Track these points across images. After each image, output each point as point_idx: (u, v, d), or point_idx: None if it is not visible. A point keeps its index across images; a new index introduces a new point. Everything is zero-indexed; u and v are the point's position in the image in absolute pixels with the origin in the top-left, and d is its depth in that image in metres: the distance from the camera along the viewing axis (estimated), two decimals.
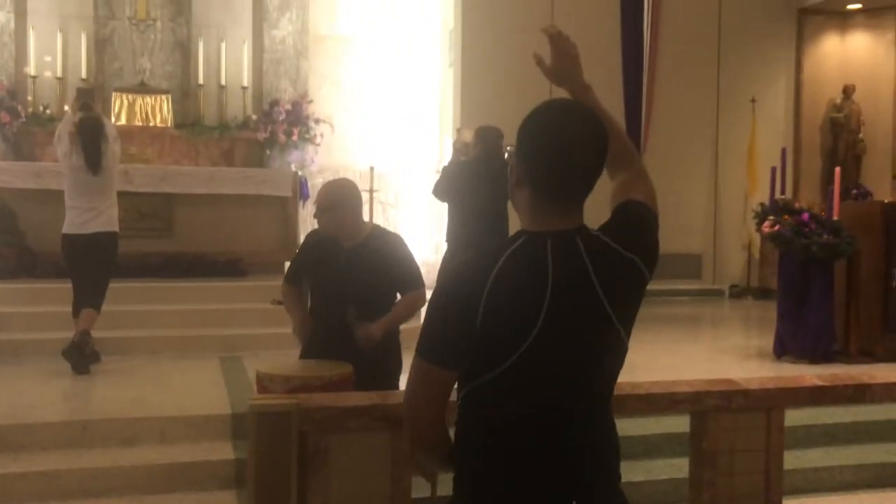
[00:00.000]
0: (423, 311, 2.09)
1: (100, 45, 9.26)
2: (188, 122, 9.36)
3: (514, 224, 5.96)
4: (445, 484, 1.96)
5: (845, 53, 11.34)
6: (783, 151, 6.66)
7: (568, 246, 1.72)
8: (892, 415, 4.95)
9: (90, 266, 5.61)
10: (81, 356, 5.40)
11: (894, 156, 11.06)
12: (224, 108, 9.47)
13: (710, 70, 10.74)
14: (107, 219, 5.64)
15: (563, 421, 1.74)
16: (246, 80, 9.53)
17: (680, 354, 6.72)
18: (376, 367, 3.54)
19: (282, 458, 3.05)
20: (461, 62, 10.06)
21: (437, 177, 6.40)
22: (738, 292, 10.51)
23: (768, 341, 6.51)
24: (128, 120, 9.08)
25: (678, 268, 10.53)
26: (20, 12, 9.05)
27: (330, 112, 9.94)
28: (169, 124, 9.24)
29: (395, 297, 3.72)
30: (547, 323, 1.67)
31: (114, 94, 9.14)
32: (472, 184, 5.85)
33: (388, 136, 10.41)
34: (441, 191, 6.05)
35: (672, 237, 10.53)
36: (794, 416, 4.72)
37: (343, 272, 3.63)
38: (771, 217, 6.17)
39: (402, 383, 2.13)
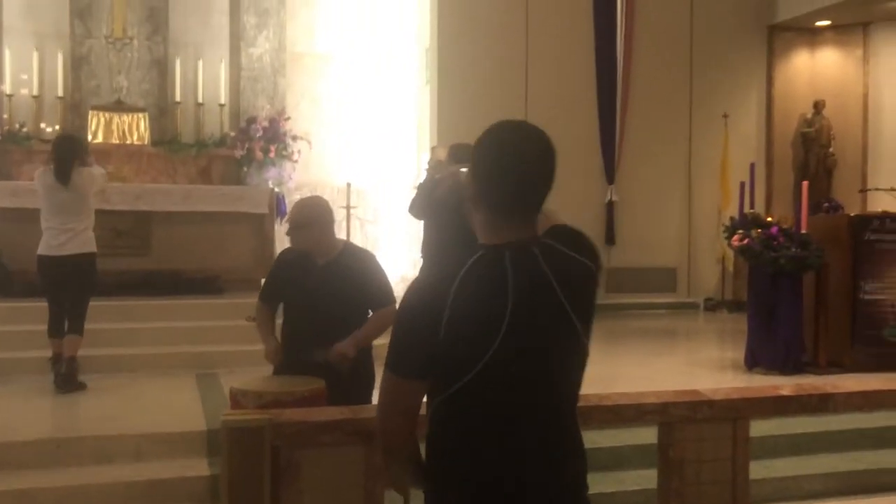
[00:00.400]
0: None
1: (76, 63, 9.28)
2: (165, 139, 9.38)
3: None
4: (418, 498, 2.01)
5: (815, 69, 11.54)
6: (752, 166, 6.78)
7: (526, 255, 1.79)
8: (858, 424, 5.06)
9: (70, 289, 5.62)
10: (72, 384, 5.46)
11: (864, 170, 11.26)
12: (201, 126, 9.50)
13: (683, 86, 10.91)
14: (84, 240, 5.64)
15: (532, 428, 1.80)
16: (223, 97, 9.58)
17: (654, 367, 6.80)
18: (349, 382, 3.59)
19: (255, 472, 3.09)
20: (437, 80, 10.16)
21: (412, 195, 6.45)
22: (712, 305, 10.64)
23: (741, 353, 6.60)
24: (104, 138, 9.09)
25: (653, 281, 10.67)
26: None
27: (308, 129, 10.00)
28: (146, 142, 9.26)
29: (368, 313, 3.77)
30: (510, 331, 1.74)
31: (90, 112, 9.15)
32: (446, 202, 5.91)
33: (365, 153, 10.48)
34: (418, 208, 6.10)
35: (647, 251, 10.71)
36: (763, 427, 4.80)
37: (316, 289, 3.68)
38: (740, 231, 6.29)
39: (376, 398, 2.20)
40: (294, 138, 9.72)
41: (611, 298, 10.57)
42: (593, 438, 4.54)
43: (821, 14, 10.98)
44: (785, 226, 6.32)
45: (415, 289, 1.88)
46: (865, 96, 11.39)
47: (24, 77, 9.09)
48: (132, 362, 6.23)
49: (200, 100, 9.45)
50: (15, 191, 7.44)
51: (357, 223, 10.21)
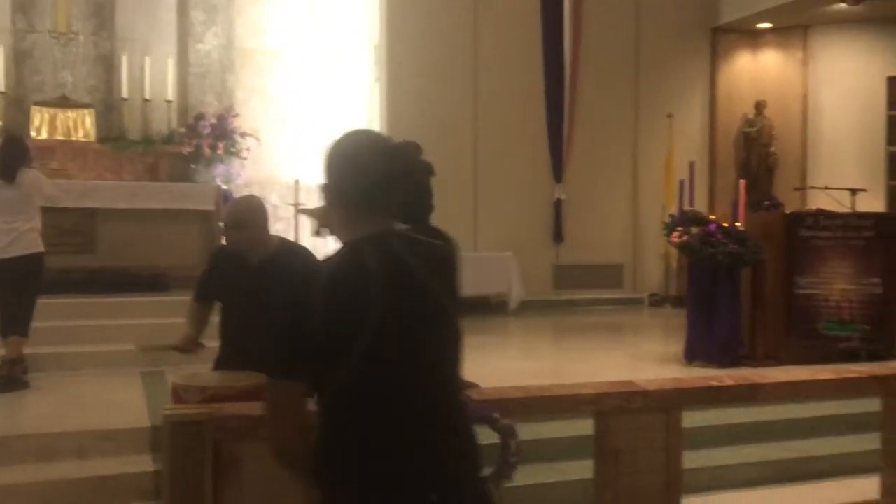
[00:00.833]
0: None
1: (19, 58, 9.13)
2: (112, 136, 9.28)
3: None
4: None
5: (757, 70, 11.84)
6: (692, 165, 6.96)
7: (385, 245, 1.89)
8: (790, 414, 5.24)
9: (15, 291, 5.54)
10: (14, 385, 5.39)
11: (804, 168, 11.59)
12: (148, 123, 9.42)
13: (629, 86, 11.12)
14: (29, 241, 5.57)
15: (419, 413, 1.85)
16: (171, 93, 9.50)
17: (598, 361, 6.93)
18: None
19: (196, 466, 3.11)
20: (386, 77, 10.21)
21: None
22: (656, 300, 10.86)
23: (682, 347, 6.77)
24: (49, 134, 8.96)
25: (600, 277, 10.87)
26: None
27: (257, 126, 9.98)
28: (92, 138, 9.15)
29: None
30: (382, 320, 1.80)
31: (34, 107, 9.02)
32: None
33: (315, 150, 10.48)
34: None
35: (594, 248, 10.89)
36: (701, 417, 4.96)
37: (252, 288, 3.70)
38: (679, 228, 6.45)
39: None
40: (243, 135, 9.69)
41: (558, 294, 10.75)
42: (536, 430, 4.64)
43: (762, 17, 11.28)
44: (725, 223, 6.50)
45: (288, 292, 1.94)
46: (805, 97, 11.72)
47: None
48: (76, 360, 6.17)
49: (147, 96, 9.36)
50: None
51: (306, 220, 10.21)
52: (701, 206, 9.52)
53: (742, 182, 6.85)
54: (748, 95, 11.65)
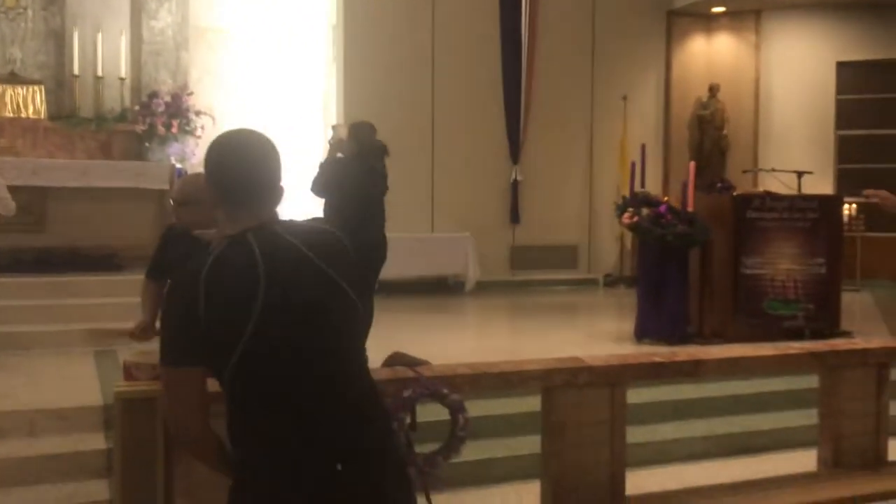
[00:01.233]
0: None
1: None
2: (63, 113, 9.13)
3: (391, 217, 6.25)
4: None
5: (711, 54, 12.01)
6: (643, 147, 7.07)
7: (268, 233, 1.95)
8: (734, 390, 5.41)
9: None
10: None
11: (755, 151, 11.81)
12: (101, 100, 9.28)
13: (585, 68, 11.21)
14: None
15: (319, 389, 1.89)
16: (124, 71, 9.37)
17: (552, 340, 7.05)
18: None
19: (147, 442, 3.14)
20: (343, 57, 10.18)
21: (315, 173, 6.50)
22: (611, 281, 11.03)
23: (633, 326, 6.91)
24: None
25: (555, 258, 11.00)
26: None
27: (211, 104, 9.88)
28: (42, 116, 8.99)
29: None
30: (267, 301, 1.85)
31: None
32: (352, 179, 5.98)
33: (271, 130, 10.38)
34: (320, 187, 6.15)
35: (550, 229, 11.01)
36: (648, 394, 5.10)
37: None
38: (630, 209, 6.57)
39: None
40: (197, 114, 9.59)
41: (515, 275, 10.86)
42: (487, 406, 4.74)
43: (716, 1, 11.45)
44: (671, 204, 6.63)
45: (172, 281, 2.01)
46: (757, 81, 11.94)
47: None
48: (27, 340, 6.12)
49: (100, 73, 9.22)
50: None
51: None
52: (655, 187, 9.68)
53: (692, 164, 7.00)
54: (702, 78, 11.82)
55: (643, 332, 6.65)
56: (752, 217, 6.79)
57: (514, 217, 10.87)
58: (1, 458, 4.06)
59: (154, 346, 3.95)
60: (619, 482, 3.78)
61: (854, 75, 11.93)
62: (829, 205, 7.07)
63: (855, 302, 9.04)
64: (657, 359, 3.96)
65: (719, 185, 10.71)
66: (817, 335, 6.73)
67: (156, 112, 9.29)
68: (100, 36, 9.21)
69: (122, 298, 6.67)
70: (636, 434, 4.30)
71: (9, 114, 8.83)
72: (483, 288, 10.14)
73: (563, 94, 11.00)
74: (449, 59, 10.45)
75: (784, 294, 6.76)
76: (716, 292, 6.83)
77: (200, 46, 10.07)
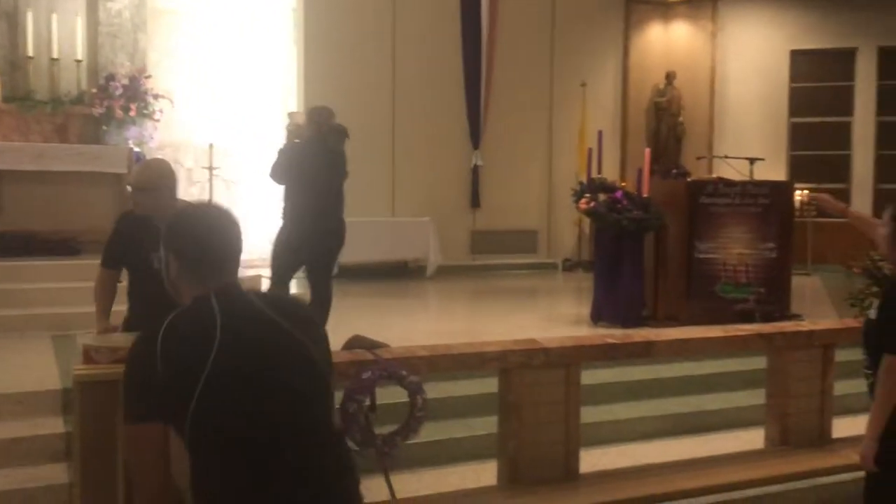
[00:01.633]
0: None
1: None
2: (18, 96, 8.98)
3: (352, 201, 6.30)
4: None
5: (668, 41, 12.17)
6: (600, 134, 7.18)
7: (231, 294, 2.06)
8: (685, 371, 5.56)
9: None
10: None
11: (710, 138, 12.01)
12: (56, 82, 9.14)
13: (545, 54, 11.30)
14: None
15: (278, 448, 1.92)
16: (80, 53, 9.23)
17: (512, 323, 7.14)
18: None
19: (108, 424, 3.16)
20: (304, 41, 10.15)
21: (273, 159, 6.51)
22: (570, 265, 11.18)
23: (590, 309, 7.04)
24: None
25: (515, 243, 11.12)
26: None
27: (170, 87, 9.79)
28: None
29: None
30: (222, 353, 1.90)
31: None
32: (310, 163, 5.99)
33: (230, 113, 10.36)
34: (279, 173, 6.15)
35: (510, 214, 11.12)
36: (603, 375, 5.22)
37: (160, 253, 3.71)
38: (587, 195, 6.69)
39: None
40: (156, 97, 9.49)
41: (475, 259, 10.96)
42: (447, 388, 4.82)
43: None
44: (627, 190, 6.76)
45: (133, 341, 2.09)
46: (713, 69, 12.12)
47: None
48: None
49: (55, 55, 9.07)
50: None
51: (222, 184, 10.13)
52: (612, 173, 9.83)
53: (647, 151, 7.12)
54: (659, 66, 11.97)
55: (599, 316, 6.78)
56: (706, 203, 6.94)
57: (475, 202, 10.96)
58: None
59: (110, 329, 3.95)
60: (573, 460, 3.90)
61: (807, 63, 12.19)
62: (779, 191, 7.25)
63: (805, 286, 9.28)
64: (611, 340, 4.08)
65: (674, 171, 10.89)
66: (768, 318, 6.88)
67: (113, 95, 9.18)
68: (54, 17, 9.06)
69: (80, 283, 6.61)
70: (590, 414, 4.42)
71: None
72: (443, 272, 10.22)
73: (523, 80, 11.09)
74: (410, 44, 10.47)
75: (736, 278, 6.93)
76: (670, 276, 6.98)
77: (159, 28, 9.96)
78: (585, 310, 7.21)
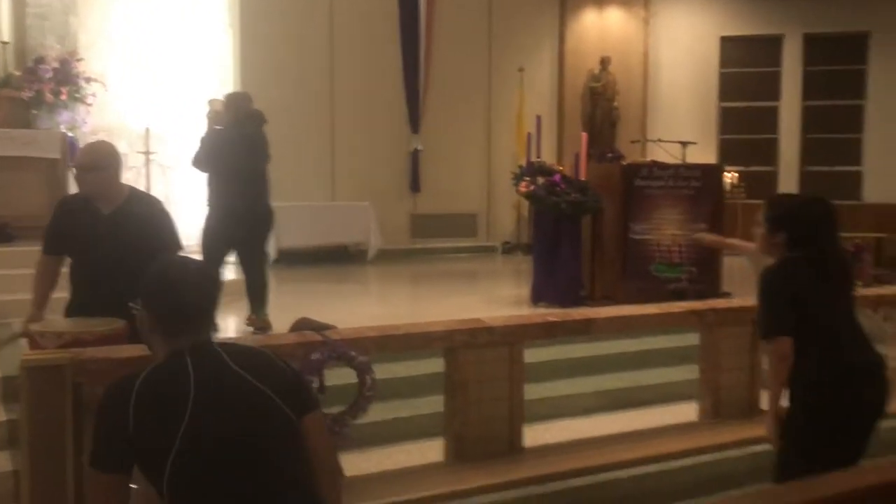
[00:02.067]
0: None
1: None
2: None
3: (291, 186, 6.34)
4: None
5: (603, 27, 12.37)
6: (538, 119, 7.31)
7: (205, 351, 2.12)
8: (622, 349, 5.73)
9: None
10: None
11: (644, 122, 12.28)
12: None
13: (483, 39, 11.40)
14: None
15: (252, 500, 1.99)
16: (6, 35, 8.97)
17: (452, 306, 7.24)
18: None
19: (56, 410, 3.16)
20: (239, 24, 10.03)
21: (196, 148, 6.51)
22: (509, 248, 11.34)
23: (530, 291, 7.18)
24: None
25: (455, 227, 11.23)
26: None
27: (103, 71, 9.58)
28: None
29: None
30: (196, 414, 1.98)
31: None
32: (230, 150, 6.00)
33: (166, 98, 10.20)
34: (202, 161, 6.16)
35: (449, 198, 11.21)
36: (544, 353, 5.35)
37: (105, 238, 3.68)
38: (527, 178, 6.81)
39: None
40: (88, 80, 9.29)
41: (415, 243, 11.04)
42: (393, 369, 4.89)
43: None
44: (565, 173, 6.90)
45: (105, 390, 2.14)
46: (646, 55, 12.38)
47: None
48: None
49: None
50: None
51: (158, 169, 9.98)
52: (549, 157, 9.98)
53: (584, 135, 7.27)
54: (594, 52, 12.17)
55: (539, 296, 6.93)
56: (640, 185, 7.13)
57: (415, 186, 11.02)
58: None
59: (56, 315, 3.92)
60: (517, 435, 4.02)
61: (736, 50, 12.54)
62: (710, 173, 7.47)
63: (734, 265, 9.58)
64: (552, 318, 4.20)
65: (610, 155, 11.14)
66: (700, 296, 7.09)
67: (43, 78, 8.94)
68: None
69: (14, 270, 6.49)
70: (532, 391, 4.52)
71: None
72: (384, 256, 10.27)
73: (462, 64, 11.17)
74: (348, 29, 10.44)
75: (669, 258, 7.13)
76: (606, 257, 7.16)
77: (92, 10, 9.73)
78: (525, 291, 7.34)
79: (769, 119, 12.63)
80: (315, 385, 3.34)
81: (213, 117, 6.35)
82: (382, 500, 3.40)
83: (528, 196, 6.83)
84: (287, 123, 9.98)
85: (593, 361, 5.60)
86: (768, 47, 12.50)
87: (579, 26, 12.20)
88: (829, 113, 12.48)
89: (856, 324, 3.28)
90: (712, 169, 7.72)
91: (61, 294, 3.94)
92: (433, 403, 4.80)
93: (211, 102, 7.05)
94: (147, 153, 9.45)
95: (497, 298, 7.61)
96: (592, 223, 7.07)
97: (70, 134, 8.65)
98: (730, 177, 11.26)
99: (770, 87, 12.56)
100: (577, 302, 6.76)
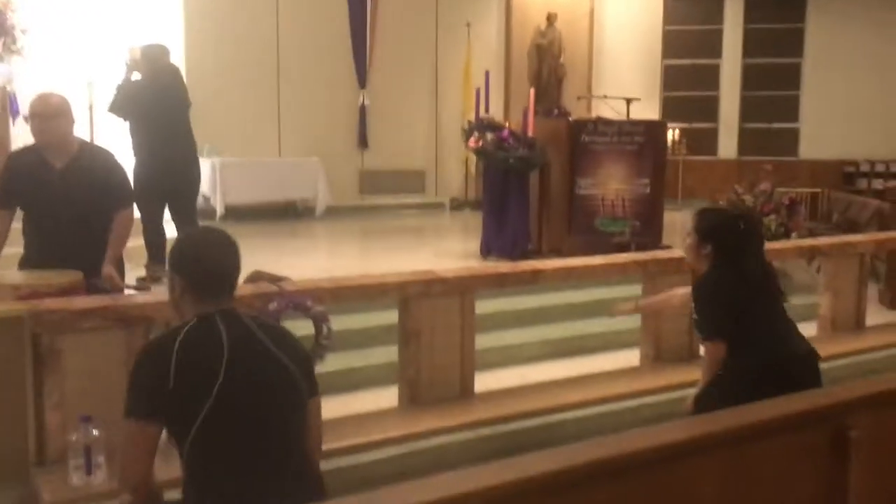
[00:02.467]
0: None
1: None
2: None
3: (238, 141, 6.38)
4: None
5: None
6: (486, 74, 7.38)
7: (232, 317, 2.28)
8: (568, 300, 5.91)
9: None
10: None
11: (589, 79, 12.42)
12: None
13: None
14: None
15: (268, 457, 2.19)
16: None
17: (402, 260, 7.28)
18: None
19: (16, 361, 3.21)
20: None
21: (113, 95, 6.50)
22: (457, 204, 11.45)
23: (479, 245, 7.32)
24: None
25: (403, 183, 11.28)
26: None
27: (42, 22, 9.33)
28: None
29: (109, 214, 3.84)
30: (228, 378, 2.15)
31: None
32: (148, 100, 6.10)
33: (106, 49, 9.97)
34: (119, 108, 6.24)
35: (397, 155, 11.25)
36: (493, 304, 5.49)
37: (58, 192, 3.69)
38: (476, 133, 6.90)
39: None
40: (24, 31, 9.04)
41: (364, 199, 11.08)
42: (346, 322, 4.97)
43: None
44: (513, 129, 7.00)
45: (146, 345, 2.35)
46: (592, 11, 12.47)
47: None
48: None
49: None
50: None
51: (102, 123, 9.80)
52: (497, 113, 10.06)
53: (532, 91, 7.37)
54: (541, 7, 12.20)
55: (488, 250, 7.07)
56: (586, 141, 7.28)
57: (363, 142, 11.02)
58: None
59: (9, 269, 3.91)
60: (468, 382, 4.18)
61: (679, 7, 12.72)
62: (654, 130, 7.64)
63: (676, 219, 9.85)
64: (502, 269, 4.36)
65: (556, 111, 11.27)
66: (642, 249, 7.31)
67: None
68: None
69: None
70: (482, 340, 4.67)
71: None
72: (333, 212, 10.29)
73: (409, 18, 11.12)
74: None
75: (613, 212, 7.32)
76: (553, 212, 7.32)
77: None
78: (474, 246, 7.47)
79: (711, 76, 12.89)
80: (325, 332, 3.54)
81: (131, 65, 6.37)
82: (342, 443, 3.52)
83: (478, 152, 6.92)
84: (232, 77, 9.88)
85: (541, 312, 5.76)
86: (711, 4, 12.70)
87: None
88: (768, 71, 12.78)
89: (790, 324, 3.52)
90: (655, 125, 7.90)
91: (14, 249, 3.95)
92: (387, 353, 4.94)
93: (131, 51, 7.01)
94: (91, 108, 9.26)
95: (446, 252, 7.73)
96: (540, 178, 7.21)
97: (7, 88, 8.44)
98: (672, 133, 11.51)
99: (712, 44, 12.80)
100: (525, 255, 6.91)
